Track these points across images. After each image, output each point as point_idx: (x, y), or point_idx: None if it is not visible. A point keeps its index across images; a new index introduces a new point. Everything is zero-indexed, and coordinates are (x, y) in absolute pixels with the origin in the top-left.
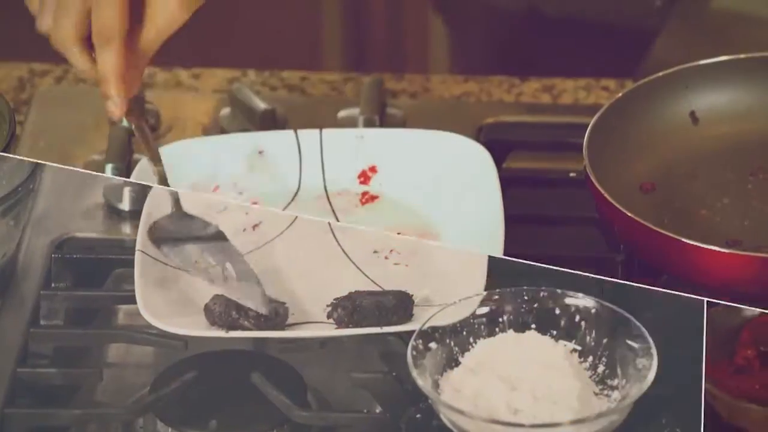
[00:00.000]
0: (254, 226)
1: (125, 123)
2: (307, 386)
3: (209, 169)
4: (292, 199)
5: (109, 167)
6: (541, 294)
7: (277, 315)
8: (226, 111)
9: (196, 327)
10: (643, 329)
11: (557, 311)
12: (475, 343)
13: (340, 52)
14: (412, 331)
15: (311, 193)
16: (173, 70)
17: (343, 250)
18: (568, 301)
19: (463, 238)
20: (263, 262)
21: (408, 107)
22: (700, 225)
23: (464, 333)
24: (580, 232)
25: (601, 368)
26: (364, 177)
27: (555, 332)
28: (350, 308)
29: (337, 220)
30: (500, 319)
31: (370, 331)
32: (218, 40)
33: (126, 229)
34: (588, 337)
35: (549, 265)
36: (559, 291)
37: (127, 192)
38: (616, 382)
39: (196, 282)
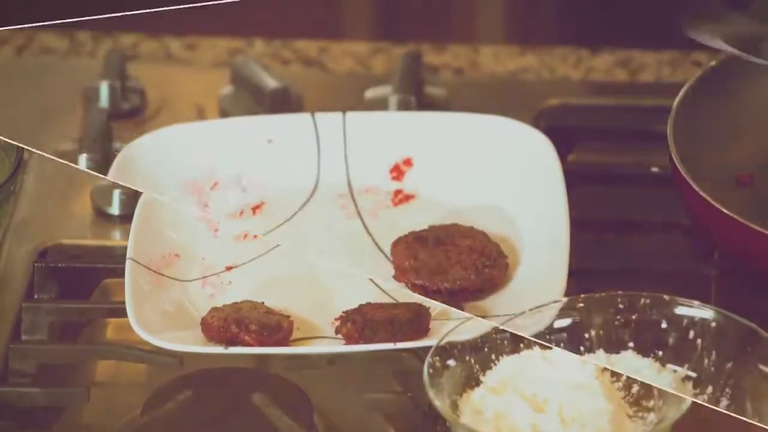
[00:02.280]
0: (255, 209)
1: (104, 103)
2: (314, 408)
3: (207, 161)
4: (309, 199)
5: (83, 158)
6: (642, 301)
7: (280, 329)
8: (227, 90)
9: (192, 342)
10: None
11: (664, 325)
12: (498, 360)
13: (368, 17)
14: (429, 348)
15: (332, 191)
16: (162, 38)
17: (373, 240)
18: (679, 311)
19: (520, 247)
20: (268, 266)
21: (452, 86)
22: None
23: (486, 349)
24: (664, 241)
25: (724, 402)
26: (398, 172)
27: (661, 353)
28: (361, 322)
29: (364, 225)
30: (587, 335)
31: (383, 347)
32: (217, 1)
33: (116, 235)
34: (706, 360)
35: (625, 279)
36: (666, 297)
37: (116, 195)
38: (651, 403)
39: (193, 293)
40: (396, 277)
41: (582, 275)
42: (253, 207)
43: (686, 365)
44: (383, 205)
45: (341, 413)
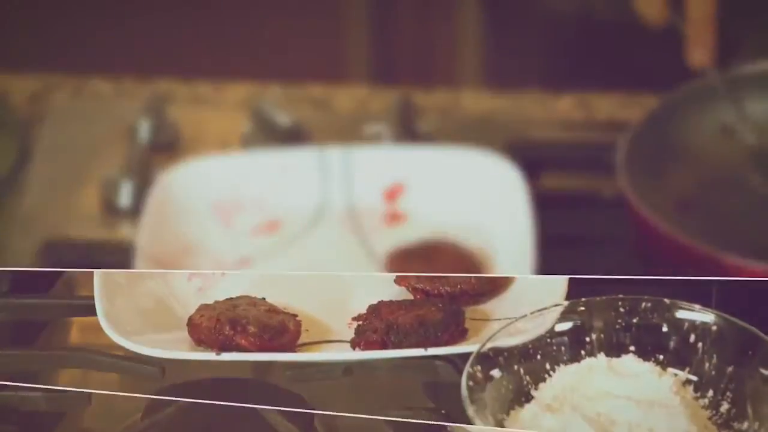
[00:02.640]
0: (270, 226)
1: (144, 138)
2: (327, 429)
3: (230, 187)
4: (316, 219)
5: (126, 185)
6: (643, 305)
7: (285, 331)
8: (248, 127)
9: (176, 347)
10: None
11: (665, 328)
12: (554, 370)
13: (366, 64)
14: (468, 354)
15: (335, 212)
16: (193, 83)
17: (372, 254)
18: (679, 314)
19: (493, 261)
20: (272, 264)
21: (437, 123)
22: (740, 239)
23: (538, 357)
24: (619, 258)
25: (725, 406)
26: (391, 195)
27: (662, 357)
28: (383, 328)
29: (364, 240)
30: (587, 339)
31: (411, 354)
32: (240, 51)
33: (125, 229)
34: (707, 364)
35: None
36: (667, 301)
37: (127, 188)
38: (746, 425)
39: (177, 287)
40: (397, 281)
41: (583, 280)
42: (269, 224)
43: (687, 369)
44: (378, 224)
45: None
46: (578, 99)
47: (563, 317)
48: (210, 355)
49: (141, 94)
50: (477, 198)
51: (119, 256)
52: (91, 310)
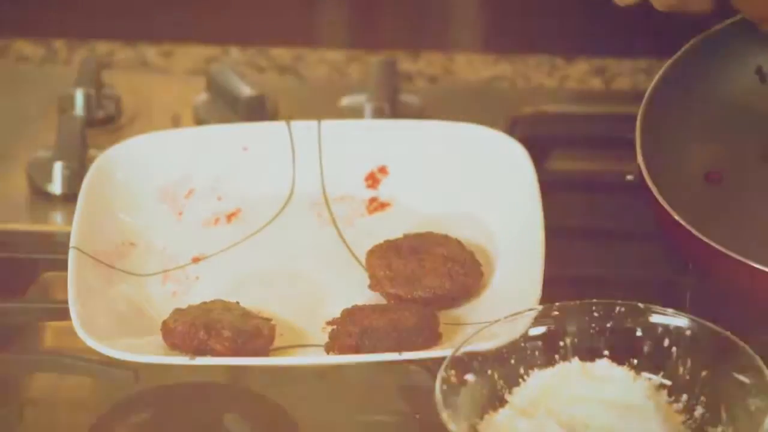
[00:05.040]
0: (230, 216)
1: (79, 111)
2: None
3: (182, 168)
4: (283, 207)
5: (58, 166)
6: (617, 309)
7: (259, 336)
8: (203, 97)
9: (150, 351)
10: (757, 358)
11: (639, 333)
12: (528, 375)
13: (343, 24)
14: (442, 359)
15: (307, 199)
16: (138, 46)
17: (348, 248)
18: (654, 319)
19: (494, 255)
20: (242, 264)
21: (426, 93)
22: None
23: (512, 361)
24: (639, 248)
25: (699, 410)
26: (372, 179)
27: (636, 361)
28: (357, 332)
29: (339, 233)
30: (561, 343)
31: (384, 359)
32: (193, 9)
33: (57, 218)
34: (681, 368)
35: (599, 288)
36: (641, 305)
37: (58, 170)
38: (719, 429)
39: (152, 291)
40: (371, 287)
41: (557, 283)
42: (228, 215)
43: (661, 373)
44: (358, 213)
45: None
46: (594, 65)
47: (537, 321)
48: (184, 360)
49: (75, 59)
50: (474, 182)
51: (49, 250)
52: (65, 315)
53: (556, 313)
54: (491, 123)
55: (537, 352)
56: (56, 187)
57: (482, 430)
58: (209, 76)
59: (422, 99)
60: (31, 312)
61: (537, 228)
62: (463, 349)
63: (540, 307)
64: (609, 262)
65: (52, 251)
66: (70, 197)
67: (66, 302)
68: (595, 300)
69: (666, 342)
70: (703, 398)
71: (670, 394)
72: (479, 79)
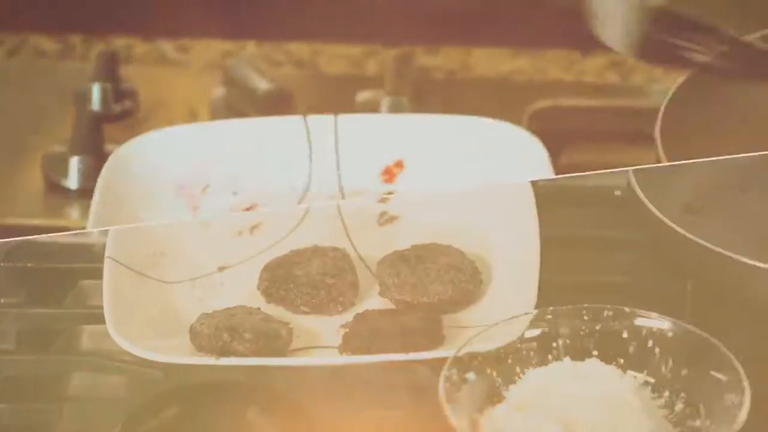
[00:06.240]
0: (252, 228)
1: (95, 106)
2: (316, 426)
3: (198, 164)
4: (300, 200)
5: (74, 160)
6: (605, 313)
7: (278, 338)
8: (219, 92)
9: (178, 352)
10: (733, 357)
11: (625, 335)
12: (523, 373)
13: (361, 19)
14: (446, 359)
15: (324, 193)
16: (155, 41)
17: (359, 256)
18: (638, 322)
19: (510, 250)
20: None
21: (444, 88)
22: None
23: (509, 361)
24: (629, 256)
25: (679, 406)
26: (389, 174)
27: (622, 360)
28: (367, 334)
29: (352, 245)
30: (554, 344)
31: (393, 358)
32: (210, 4)
33: (73, 213)
34: (663, 367)
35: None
36: (627, 309)
37: (74, 165)
38: (698, 423)
39: (180, 297)
40: (381, 293)
41: (551, 288)
42: (251, 227)
43: (645, 371)
44: (370, 226)
45: None
46: (610, 59)
47: (532, 324)
48: (210, 360)
49: (92, 55)
50: (492, 176)
51: (86, 259)
52: (100, 319)
53: (550, 316)
54: (509, 117)
55: (532, 353)
56: (72, 182)
57: (482, 423)
58: (226, 70)
59: (440, 93)
60: (70, 317)
61: (533, 238)
62: (464, 350)
63: (535, 311)
64: (601, 269)
65: (90, 261)
66: (86, 192)
67: (101, 308)
68: (585, 305)
69: (650, 343)
70: (683, 394)
71: (653, 391)
72: (497, 73)
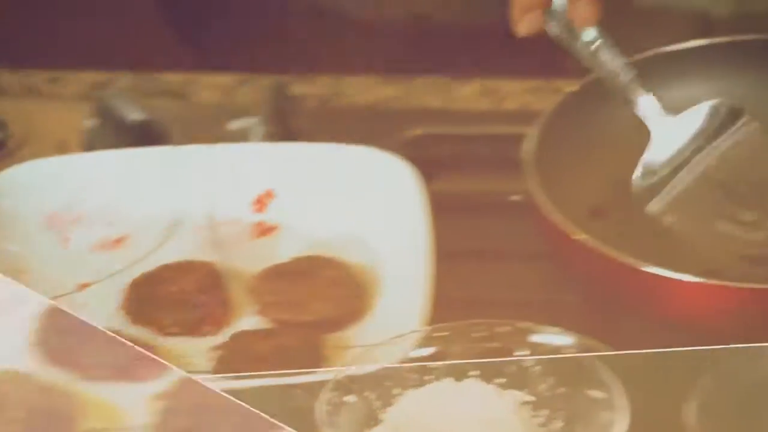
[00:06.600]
0: (116, 242)
1: None
2: None
3: (70, 195)
4: (171, 232)
5: None
6: (497, 329)
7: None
8: (91, 123)
9: None
10: (611, 375)
11: (515, 352)
12: (402, 394)
13: (232, 49)
14: (326, 381)
15: (194, 224)
16: (26, 72)
17: (233, 270)
18: (531, 338)
19: (382, 277)
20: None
21: (316, 115)
22: (667, 251)
23: (387, 383)
24: (529, 269)
25: (558, 423)
26: (260, 204)
27: (504, 380)
28: (241, 354)
29: (223, 257)
30: (436, 364)
31: (271, 382)
32: (81, 36)
33: None
34: (543, 386)
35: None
36: (521, 325)
37: None
38: None
39: None
40: (260, 312)
41: (444, 305)
42: (115, 240)
43: (525, 390)
44: (244, 237)
45: None
46: (483, 86)
47: (422, 343)
48: None
49: None
50: (363, 205)
51: None
52: None
53: (439, 334)
54: (381, 145)
55: (412, 373)
56: None
57: None
58: (97, 101)
59: (312, 121)
60: None
61: (423, 251)
62: (344, 372)
63: (423, 329)
64: (497, 283)
65: None
66: None
67: None
68: (476, 320)
69: (534, 360)
70: (562, 412)
71: (533, 410)
72: (368, 101)
